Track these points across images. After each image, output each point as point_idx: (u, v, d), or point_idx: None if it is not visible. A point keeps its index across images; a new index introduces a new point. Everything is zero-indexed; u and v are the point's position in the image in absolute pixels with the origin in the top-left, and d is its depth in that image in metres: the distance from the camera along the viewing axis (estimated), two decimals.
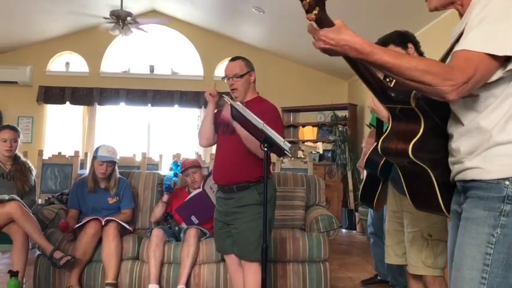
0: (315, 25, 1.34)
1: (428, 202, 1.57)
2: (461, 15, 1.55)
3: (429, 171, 1.50)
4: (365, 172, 3.92)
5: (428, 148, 1.50)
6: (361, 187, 2.74)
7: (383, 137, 1.57)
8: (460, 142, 1.47)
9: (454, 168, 1.51)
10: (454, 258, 1.46)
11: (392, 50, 1.33)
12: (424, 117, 1.49)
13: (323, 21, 1.31)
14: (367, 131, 4.12)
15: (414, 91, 1.45)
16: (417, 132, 1.48)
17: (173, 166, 3.97)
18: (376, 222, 4.04)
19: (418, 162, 1.48)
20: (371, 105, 2.35)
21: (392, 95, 1.51)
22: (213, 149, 3.31)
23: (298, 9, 1.30)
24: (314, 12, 1.28)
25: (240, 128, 2.73)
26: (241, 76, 2.94)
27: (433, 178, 1.51)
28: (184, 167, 3.99)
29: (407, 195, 1.62)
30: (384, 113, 2.28)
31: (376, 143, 2.58)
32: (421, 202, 1.61)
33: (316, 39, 1.35)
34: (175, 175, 3.95)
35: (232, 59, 3.01)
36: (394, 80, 1.59)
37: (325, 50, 1.36)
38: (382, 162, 2.43)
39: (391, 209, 2.68)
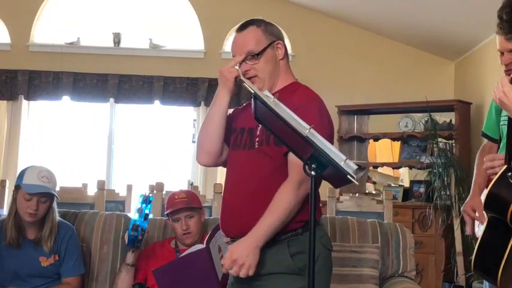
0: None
1: None
2: None
3: None
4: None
5: None
6: (476, 246, 2.35)
7: None
8: None
9: None
10: None
11: None
12: None
13: None
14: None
15: None
16: None
17: (141, 203, 3.20)
18: None
19: None
20: (499, 94, 2.03)
21: None
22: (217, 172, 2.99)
23: None
24: None
25: (272, 219, 2.08)
26: (259, 55, 2.27)
27: None
28: (172, 208, 3.23)
29: None
30: None
31: (506, 165, 2.25)
32: None
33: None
34: (145, 217, 3.17)
35: (241, 28, 2.33)
36: None
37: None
38: None
39: None
